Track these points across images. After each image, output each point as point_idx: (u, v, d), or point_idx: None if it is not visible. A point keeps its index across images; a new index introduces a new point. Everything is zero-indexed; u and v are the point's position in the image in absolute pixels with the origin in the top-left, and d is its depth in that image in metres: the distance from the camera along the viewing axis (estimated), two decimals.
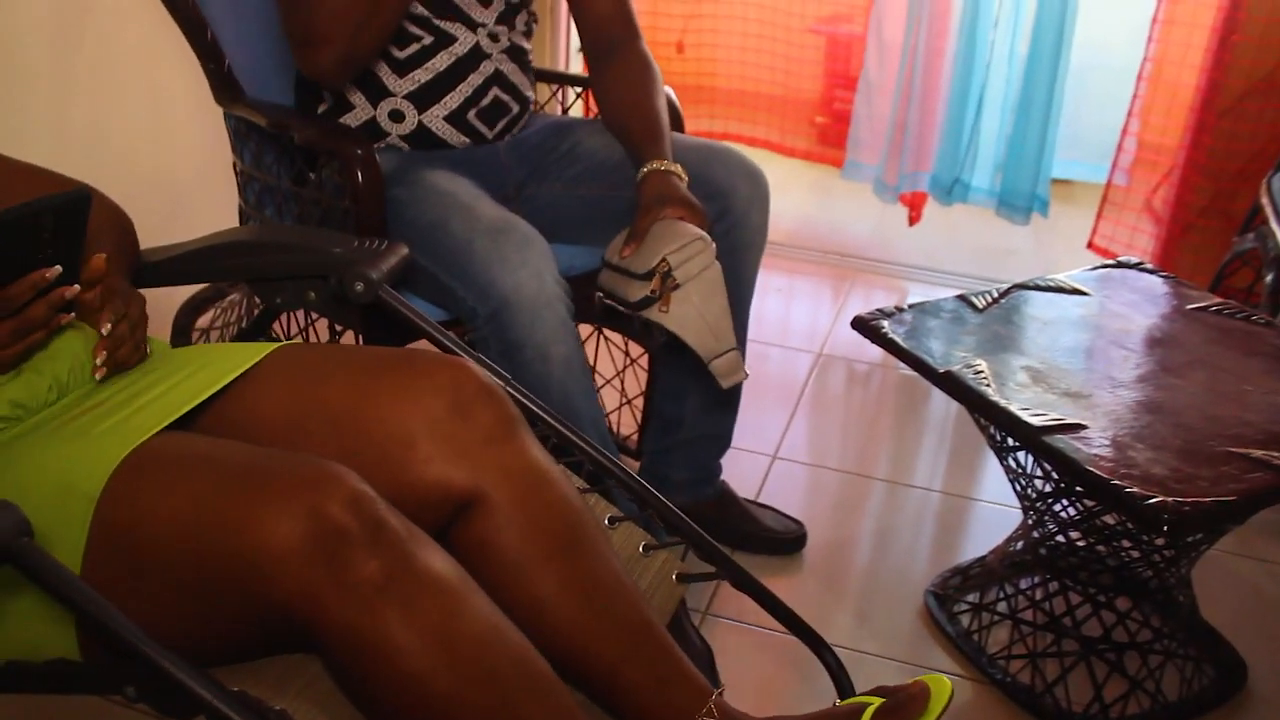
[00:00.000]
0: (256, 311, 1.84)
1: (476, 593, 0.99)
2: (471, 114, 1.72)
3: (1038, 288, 1.80)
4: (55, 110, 2.11)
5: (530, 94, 1.82)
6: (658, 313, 1.55)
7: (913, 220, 3.11)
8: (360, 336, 1.61)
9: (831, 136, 3.25)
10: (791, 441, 2.29)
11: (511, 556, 1.09)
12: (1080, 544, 1.63)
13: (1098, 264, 1.92)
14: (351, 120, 1.71)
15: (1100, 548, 1.62)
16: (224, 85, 1.73)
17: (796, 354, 2.66)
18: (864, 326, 1.64)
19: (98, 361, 1.09)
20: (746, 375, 1.62)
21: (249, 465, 0.95)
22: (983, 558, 1.83)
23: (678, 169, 1.64)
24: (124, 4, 2.15)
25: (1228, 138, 2.62)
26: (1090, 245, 2.92)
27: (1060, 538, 1.64)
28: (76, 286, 1.07)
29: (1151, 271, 1.89)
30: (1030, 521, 1.69)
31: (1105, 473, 1.33)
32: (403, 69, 1.68)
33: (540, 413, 1.27)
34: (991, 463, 2.16)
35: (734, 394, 1.85)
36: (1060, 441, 1.38)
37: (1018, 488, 1.67)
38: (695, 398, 1.82)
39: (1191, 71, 2.68)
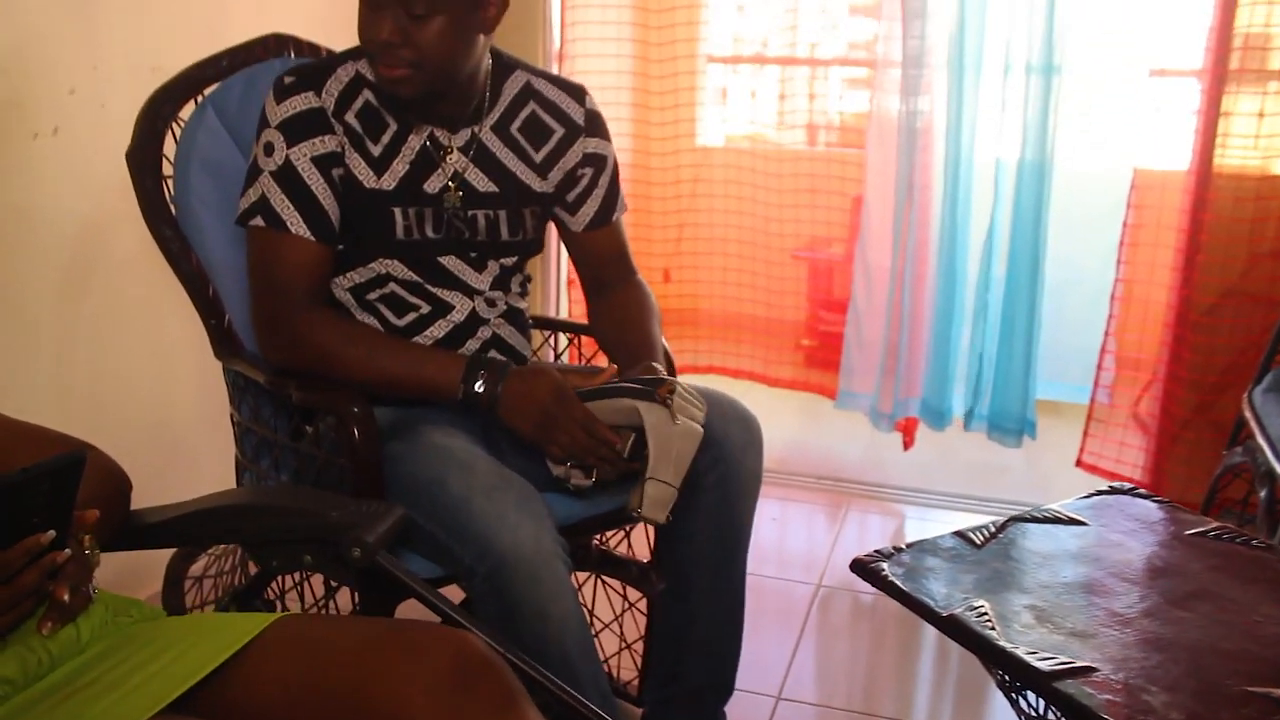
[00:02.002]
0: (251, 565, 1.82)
1: None
2: None
3: (1034, 519, 1.80)
4: (58, 362, 2.16)
5: (528, 353, 1.85)
6: (646, 405, 1.54)
7: (907, 445, 3.12)
8: (356, 594, 1.60)
9: (818, 361, 3.31)
10: (796, 680, 2.24)
11: None
12: None
13: (1092, 490, 1.92)
14: None
15: None
16: (224, 340, 1.77)
17: (796, 585, 2.63)
18: (863, 570, 1.63)
19: (44, 632, 1.07)
20: (668, 520, 1.57)
21: None
22: None
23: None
24: (130, 259, 2.22)
25: (1204, 351, 2.69)
26: (1079, 463, 2.94)
27: None
28: (68, 551, 1.06)
29: (1145, 496, 1.89)
30: None
31: None
32: (402, 336, 1.71)
33: (542, 680, 1.24)
34: (1000, 697, 2.11)
35: (735, 642, 1.81)
36: (1072, 687, 1.35)
37: None
38: (696, 646, 1.78)
39: (1161, 289, 2.77)
